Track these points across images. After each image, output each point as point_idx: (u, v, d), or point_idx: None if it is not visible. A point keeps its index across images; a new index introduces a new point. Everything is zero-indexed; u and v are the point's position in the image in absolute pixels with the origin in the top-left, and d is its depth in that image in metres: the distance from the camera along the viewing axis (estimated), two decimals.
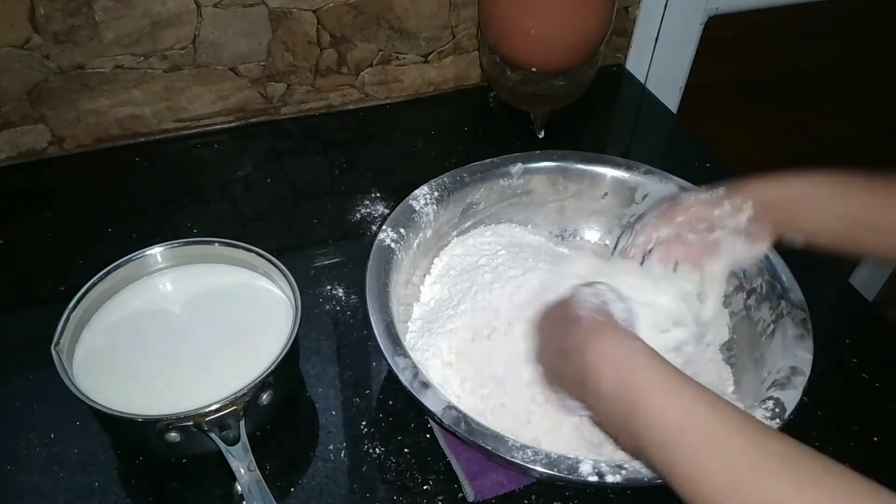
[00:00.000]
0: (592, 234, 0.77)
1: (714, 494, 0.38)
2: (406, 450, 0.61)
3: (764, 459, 0.37)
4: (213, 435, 0.53)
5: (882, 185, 0.53)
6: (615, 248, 0.64)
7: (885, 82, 1.36)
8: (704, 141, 0.97)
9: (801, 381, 0.55)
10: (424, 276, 0.71)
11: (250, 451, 0.54)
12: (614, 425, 0.45)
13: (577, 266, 0.62)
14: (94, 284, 0.62)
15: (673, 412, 0.41)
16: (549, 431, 0.57)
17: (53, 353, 0.56)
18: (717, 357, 0.65)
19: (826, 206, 0.54)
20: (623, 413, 0.43)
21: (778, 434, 0.39)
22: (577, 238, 0.77)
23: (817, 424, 0.64)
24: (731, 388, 0.62)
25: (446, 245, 0.72)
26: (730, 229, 0.56)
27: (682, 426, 0.40)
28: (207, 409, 0.53)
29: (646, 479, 0.48)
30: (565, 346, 0.50)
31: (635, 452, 0.45)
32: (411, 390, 0.52)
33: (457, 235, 0.73)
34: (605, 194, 0.74)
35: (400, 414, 0.64)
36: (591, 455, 0.54)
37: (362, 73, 0.97)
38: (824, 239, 0.55)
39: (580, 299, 0.50)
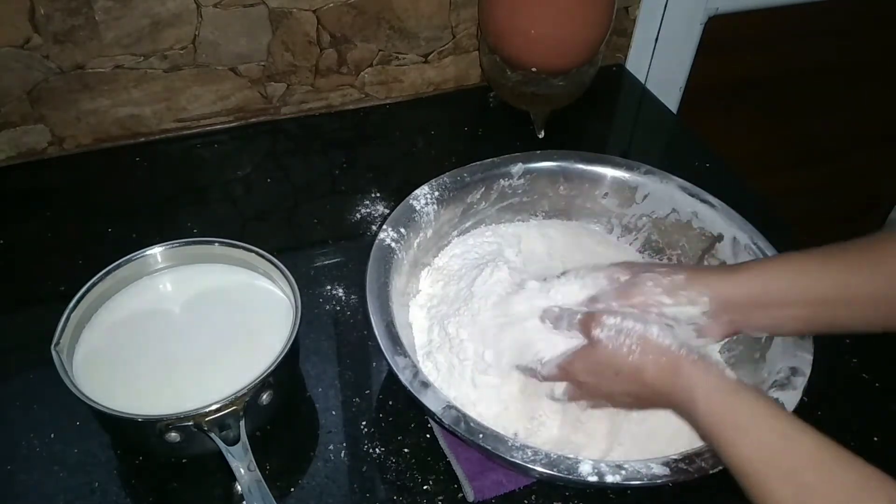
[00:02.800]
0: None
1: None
2: (406, 450, 0.61)
3: (833, 492, 0.40)
4: (213, 435, 0.53)
5: (841, 256, 0.52)
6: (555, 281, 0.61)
7: (885, 82, 1.36)
8: (704, 141, 0.97)
9: (801, 382, 0.55)
10: (427, 274, 0.71)
11: (250, 451, 0.54)
12: (712, 433, 0.47)
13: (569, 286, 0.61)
14: (94, 284, 0.62)
15: (746, 447, 0.44)
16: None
17: (53, 353, 0.56)
18: (718, 358, 0.65)
19: (789, 294, 0.53)
20: (728, 430, 0.46)
21: (853, 461, 0.41)
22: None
23: (817, 424, 0.63)
24: None
25: (447, 245, 0.72)
26: (681, 321, 0.54)
27: (757, 458, 0.43)
28: (207, 409, 0.53)
29: (646, 479, 0.48)
30: (636, 394, 0.51)
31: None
32: (411, 390, 0.52)
33: (457, 235, 0.73)
34: (606, 194, 0.74)
35: (400, 414, 0.64)
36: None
37: (362, 73, 0.97)
38: (791, 330, 0.56)
39: (618, 342, 0.51)
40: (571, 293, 0.57)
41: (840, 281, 0.52)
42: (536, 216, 0.76)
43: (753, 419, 0.45)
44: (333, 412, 0.64)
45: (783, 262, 0.55)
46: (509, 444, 0.50)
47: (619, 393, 0.52)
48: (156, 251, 0.65)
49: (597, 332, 0.51)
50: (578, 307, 0.55)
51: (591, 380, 0.53)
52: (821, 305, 0.52)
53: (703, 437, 0.48)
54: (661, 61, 1.12)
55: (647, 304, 0.53)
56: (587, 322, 0.52)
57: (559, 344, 0.55)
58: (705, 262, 0.70)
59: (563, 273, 0.60)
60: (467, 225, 0.73)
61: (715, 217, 0.69)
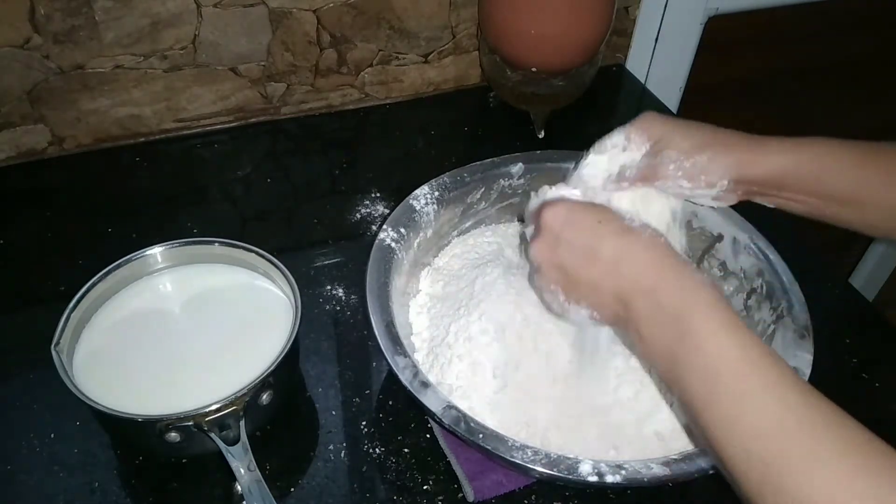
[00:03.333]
0: None
1: (752, 439, 0.37)
2: (406, 450, 0.61)
3: (812, 418, 0.37)
4: (213, 435, 0.53)
5: (873, 158, 0.51)
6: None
7: (885, 82, 1.36)
8: None
9: None
10: (426, 274, 0.71)
11: (250, 451, 0.54)
12: (655, 347, 0.44)
13: None
14: (94, 284, 0.62)
15: (730, 347, 0.40)
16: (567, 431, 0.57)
17: (53, 353, 0.56)
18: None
19: (803, 185, 0.52)
20: (672, 338, 0.42)
21: (827, 401, 0.39)
22: None
23: None
24: None
25: (447, 245, 0.72)
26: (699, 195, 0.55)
27: (736, 363, 0.40)
28: (207, 409, 0.53)
29: (645, 480, 0.48)
30: (604, 255, 0.47)
31: (669, 380, 0.43)
32: (411, 390, 0.52)
33: (457, 235, 0.73)
34: None
35: (400, 414, 0.64)
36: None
37: (362, 73, 0.97)
38: (799, 212, 0.55)
39: (616, 212, 0.49)
40: (599, 172, 0.57)
41: (860, 182, 0.51)
42: None
43: (741, 329, 0.41)
44: (333, 412, 0.64)
45: (811, 148, 0.52)
46: (509, 444, 0.50)
47: (578, 253, 0.48)
48: (156, 251, 0.65)
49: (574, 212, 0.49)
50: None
51: (563, 230, 0.50)
52: (833, 201, 0.52)
53: (647, 330, 0.44)
54: (661, 61, 1.12)
55: (667, 185, 0.54)
56: (539, 213, 0.51)
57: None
58: (705, 262, 0.70)
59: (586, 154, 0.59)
60: (467, 225, 0.73)
61: (715, 217, 0.68)
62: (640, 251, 0.46)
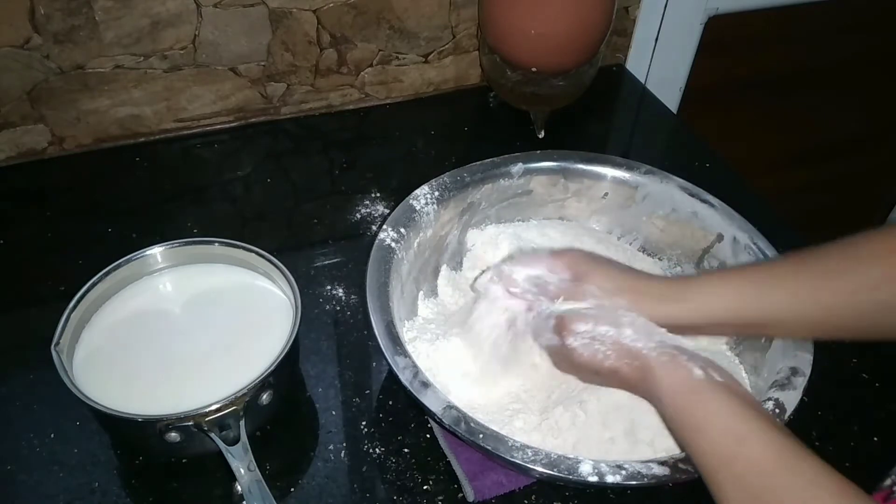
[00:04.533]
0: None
1: None
2: (406, 450, 0.61)
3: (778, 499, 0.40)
4: (213, 435, 0.53)
5: (781, 277, 0.53)
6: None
7: (885, 82, 1.36)
8: (704, 141, 0.97)
9: (801, 382, 0.55)
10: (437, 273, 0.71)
11: (250, 451, 0.54)
12: (675, 433, 0.48)
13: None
14: (94, 284, 0.62)
15: (701, 449, 0.44)
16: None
17: (53, 353, 0.56)
18: (724, 349, 0.66)
19: (722, 321, 0.54)
20: (687, 430, 0.46)
21: (805, 466, 0.40)
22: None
23: (817, 424, 0.64)
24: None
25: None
26: None
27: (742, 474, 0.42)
28: (207, 409, 0.53)
29: (645, 479, 0.48)
30: (616, 387, 0.53)
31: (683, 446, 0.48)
32: (411, 390, 0.52)
33: (458, 237, 0.73)
34: (606, 194, 0.74)
35: (400, 414, 0.64)
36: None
37: (362, 73, 0.97)
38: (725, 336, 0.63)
39: (583, 345, 0.52)
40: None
41: (768, 308, 0.52)
42: (536, 216, 0.76)
43: (709, 421, 0.45)
44: (333, 412, 0.64)
45: (721, 286, 0.54)
46: (509, 445, 0.50)
47: (600, 384, 0.55)
48: (156, 251, 0.65)
49: (571, 341, 0.52)
50: (551, 312, 0.55)
51: (572, 372, 0.56)
52: (751, 326, 0.55)
53: (672, 436, 0.50)
54: (661, 61, 1.12)
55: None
56: (558, 329, 0.53)
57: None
58: (705, 263, 0.70)
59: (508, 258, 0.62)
60: (468, 225, 0.73)
61: (715, 217, 0.69)
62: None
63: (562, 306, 0.55)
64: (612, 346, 0.51)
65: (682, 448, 0.47)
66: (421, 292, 0.69)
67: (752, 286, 0.53)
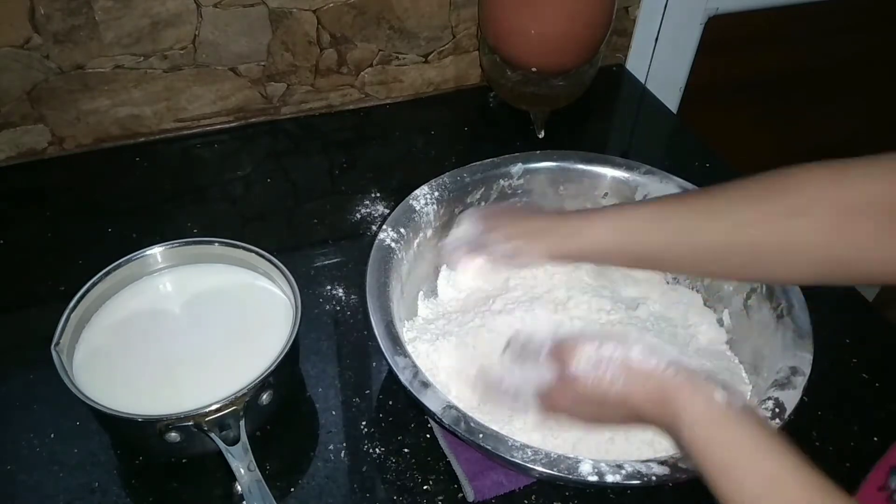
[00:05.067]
0: None
1: None
2: (406, 450, 0.61)
3: None
4: (213, 435, 0.53)
5: (674, 213, 0.55)
6: None
7: (885, 82, 1.36)
8: (704, 141, 0.97)
9: (801, 381, 0.55)
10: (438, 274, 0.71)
11: (250, 451, 0.54)
12: (696, 463, 0.45)
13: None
14: (94, 284, 0.62)
15: (727, 486, 0.42)
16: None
17: (53, 353, 0.56)
18: (724, 349, 0.66)
19: (616, 255, 0.58)
20: (710, 465, 0.44)
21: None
22: None
23: (817, 424, 0.64)
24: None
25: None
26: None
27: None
28: (207, 409, 0.53)
29: (645, 479, 0.48)
30: (623, 417, 0.49)
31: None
32: (411, 390, 0.52)
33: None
34: (606, 194, 0.74)
35: (400, 414, 0.64)
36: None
37: (362, 73, 0.97)
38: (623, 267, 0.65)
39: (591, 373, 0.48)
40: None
41: (651, 244, 0.55)
42: None
43: (736, 457, 0.42)
44: (333, 412, 0.64)
45: (612, 222, 0.58)
46: (509, 444, 0.50)
47: (606, 418, 0.50)
48: (156, 251, 0.65)
49: (574, 368, 0.48)
50: (543, 338, 0.52)
51: (574, 409, 0.50)
52: (638, 261, 0.58)
53: (692, 464, 0.47)
54: (661, 61, 1.12)
55: (495, 261, 0.61)
56: (560, 355, 0.49)
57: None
58: None
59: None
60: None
61: None
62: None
63: (558, 330, 0.52)
64: (620, 369, 0.46)
65: (705, 481, 0.44)
66: (421, 292, 0.69)
67: (640, 223, 0.56)
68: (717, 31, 1.13)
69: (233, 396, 0.54)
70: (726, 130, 1.17)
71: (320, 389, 0.65)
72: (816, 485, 0.40)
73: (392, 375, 0.55)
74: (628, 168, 0.73)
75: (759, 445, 0.42)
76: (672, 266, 0.59)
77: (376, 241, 0.64)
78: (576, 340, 0.49)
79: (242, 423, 0.54)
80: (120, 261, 0.64)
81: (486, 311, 0.64)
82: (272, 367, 0.56)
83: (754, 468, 0.41)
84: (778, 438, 0.43)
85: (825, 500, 0.39)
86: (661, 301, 0.69)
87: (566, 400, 0.50)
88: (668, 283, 0.72)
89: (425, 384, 0.53)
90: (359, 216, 0.83)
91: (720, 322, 0.68)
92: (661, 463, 0.49)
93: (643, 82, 1.11)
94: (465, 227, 0.64)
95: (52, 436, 0.61)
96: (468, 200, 0.71)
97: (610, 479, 0.48)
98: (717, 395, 0.44)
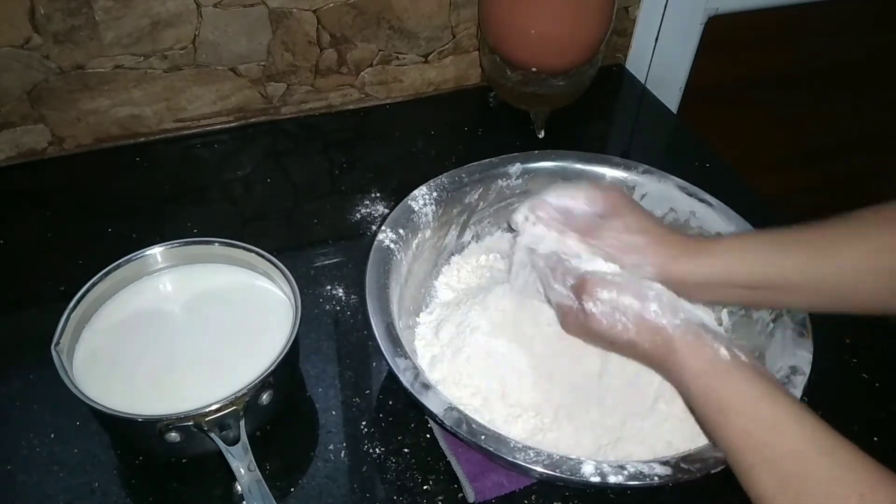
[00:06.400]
0: None
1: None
2: (406, 450, 0.61)
3: (811, 484, 0.40)
4: (213, 435, 0.53)
5: (795, 239, 0.52)
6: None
7: (885, 82, 1.36)
8: (704, 141, 0.97)
9: (801, 381, 0.55)
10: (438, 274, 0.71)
11: (250, 451, 0.54)
12: (700, 415, 0.47)
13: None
14: (94, 284, 0.62)
15: (731, 433, 0.44)
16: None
17: (53, 353, 0.56)
18: (719, 329, 0.65)
19: (732, 280, 0.53)
20: (713, 413, 0.45)
21: (839, 451, 0.40)
22: None
23: None
24: None
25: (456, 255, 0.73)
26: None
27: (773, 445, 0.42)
28: (207, 409, 0.53)
29: (647, 480, 0.48)
30: (630, 356, 0.52)
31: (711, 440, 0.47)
32: (412, 391, 0.52)
33: (457, 237, 0.73)
34: None
35: (400, 414, 0.64)
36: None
37: (362, 73, 0.97)
38: (729, 304, 0.60)
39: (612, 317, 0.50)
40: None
41: (785, 267, 0.52)
42: None
43: (739, 404, 0.44)
44: (333, 412, 0.64)
45: (742, 245, 0.54)
46: (511, 446, 0.50)
47: (615, 351, 0.53)
48: (156, 251, 0.65)
49: (590, 306, 0.50)
50: (571, 269, 0.53)
51: (581, 335, 0.54)
52: (764, 289, 0.53)
53: (694, 417, 0.49)
54: (661, 61, 1.12)
55: (599, 247, 0.54)
56: (580, 290, 0.51)
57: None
58: None
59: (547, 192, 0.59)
60: (466, 225, 0.73)
61: (713, 216, 0.68)
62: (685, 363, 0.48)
63: (586, 265, 0.53)
64: (634, 319, 0.49)
65: (705, 430, 0.46)
66: (421, 292, 0.69)
67: (774, 246, 0.53)
68: (717, 31, 1.13)
69: (233, 396, 0.54)
70: (726, 130, 1.17)
71: (320, 389, 0.65)
72: (819, 428, 0.41)
73: (392, 376, 0.55)
74: (626, 168, 0.72)
75: (763, 392, 0.44)
76: (802, 294, 0.53)
77: (375, 243, 0.64)
78: (602, 281, 0.51)
79: (242, 423, 0.54)
80: (120, 261, 0.64)
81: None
82: (272, 367, 0.56)
83: (757, 413, 0.43)
84: (782, 389, 0.45)
85: (826, 443, 0.41)
86: None
87: (580, 328, 0.53)
88: None
89: (426, 385, 0.53)
90: (359, 216, 0.83)
91: (719, 321, 0.68)
92: (664, 463, 0.49)
93: (643, 82, 1.11)
94: (567, 194, 0.57)
95: (52, 436, 0.61)
96: (466, 201, 0.71)
97: (612, 479, 0.48)
98: (722, 351, 0.46)
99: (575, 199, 0.57)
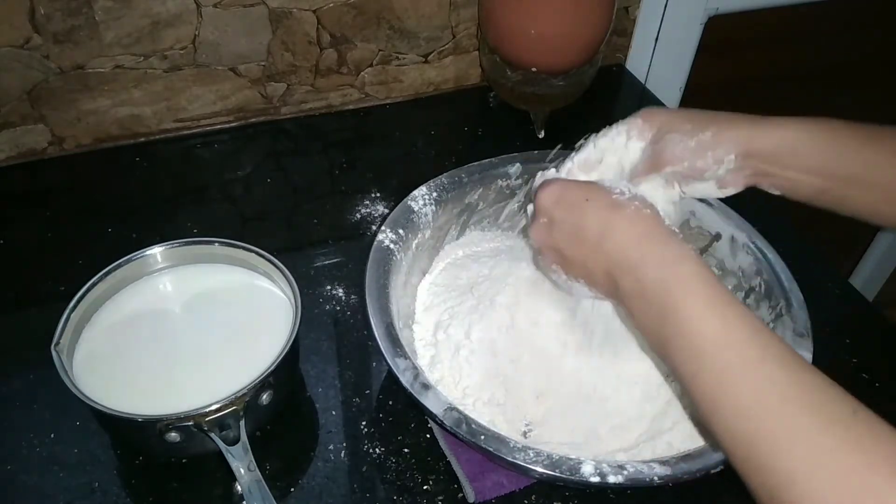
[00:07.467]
0: None
1: (734, 417, 0.37)
2: (406, 450, 0.61)
3: (794, 392, 0.36)
4: (213, 435, 0.53)
5: (879, 138, 0.50)
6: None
7: (885, 83, 1.36)
8: None
9: None
10: (424, 275, 0.71)
11: (250, 451, 0.54)
12: (643, 323, 0.44)
13: None
14: (94, 284, 0.62)
15: (711, 323, 0.40)
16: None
17: (53, 353, 0.56)
18: None
19: (812, 161, 0.51)
20: (657, 315, 0.42)
21: (813, 369, 0.38)
22: None
23: None
24: None
25: (446, 246, 0.73)
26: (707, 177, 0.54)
27: (717, 340, 0.39)
28: (207, 409, 0.53)
29: (647, 480, 0.48)
30: (590, 234, 0.47)
31: (661, 355, 0.43)
32: (412, 392, 0.52)
33: (457, 237, 0.73)
34: None
35: (400, 414, 0.64)
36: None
37: (362, 73, 0.97)
38: (803, 196, 0.53)
39: (608, 187, 0.48)
40: (590, 163, 0.57)
41: (866, 162, 0.50)
42: None
43: (724, 300, 0.41)
44: (333, 412, 0.64)
45: (818, 126, 0.52)
46: (511, 446, 0.50)
47: (569, 232, 0.49)
48: (156, 251, 0.65)
49: (540, 207, 0.50)
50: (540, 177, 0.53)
51: (559, 211, 0.50)
52: (838, 180, 0.50)
53: (636, 306, 0.45)
54: (661, 61, 1.12)
55: (677, 172, 0.52)
56: (535, 201, 0.51)
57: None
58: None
59: (582, 144, 0.58)
60: (466, 225, 0.73)
61: (713, 216, 0.69)
62: (625, 227, 0.46)
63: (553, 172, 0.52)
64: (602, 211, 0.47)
65: (647, 338, 0.43)
66: (421, 293, 0.69)
67: (852, 138, 0.50)
68: (717, 31, 1.13)
69: (233, 396, 0.54)
70: None
71: (320, 389, 0.65)
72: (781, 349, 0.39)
73: (392, 376, 0.55)
74: None
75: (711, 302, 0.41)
76: (874, 195, 0.50)
77: (375, 243, 0.64)
78: (550, 181, 0.50)
79: (242, 423, 0.54)
80: (120, 261, 0.64)
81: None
82: (272, 367, 0.56)
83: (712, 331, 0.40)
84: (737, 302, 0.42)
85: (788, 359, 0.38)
86: None
87: (547, 248, 0.51)
88: None
89: (426, 386, 0.53)
90: (359, 216, 0.83)
91: None
92: (663, 463, 0.49)
93: (643, 82, 1.11)
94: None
95: (52, 436, 0.61)
96: (466, 201, 0.71)
97: (612, 479, 0.48)
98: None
99: (621, 137, 0.56)
